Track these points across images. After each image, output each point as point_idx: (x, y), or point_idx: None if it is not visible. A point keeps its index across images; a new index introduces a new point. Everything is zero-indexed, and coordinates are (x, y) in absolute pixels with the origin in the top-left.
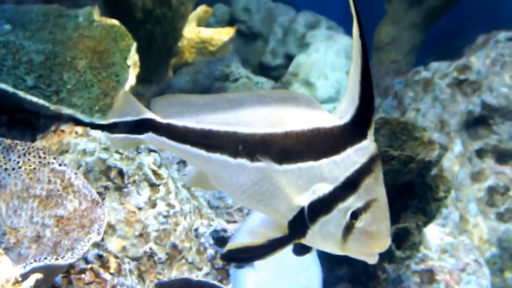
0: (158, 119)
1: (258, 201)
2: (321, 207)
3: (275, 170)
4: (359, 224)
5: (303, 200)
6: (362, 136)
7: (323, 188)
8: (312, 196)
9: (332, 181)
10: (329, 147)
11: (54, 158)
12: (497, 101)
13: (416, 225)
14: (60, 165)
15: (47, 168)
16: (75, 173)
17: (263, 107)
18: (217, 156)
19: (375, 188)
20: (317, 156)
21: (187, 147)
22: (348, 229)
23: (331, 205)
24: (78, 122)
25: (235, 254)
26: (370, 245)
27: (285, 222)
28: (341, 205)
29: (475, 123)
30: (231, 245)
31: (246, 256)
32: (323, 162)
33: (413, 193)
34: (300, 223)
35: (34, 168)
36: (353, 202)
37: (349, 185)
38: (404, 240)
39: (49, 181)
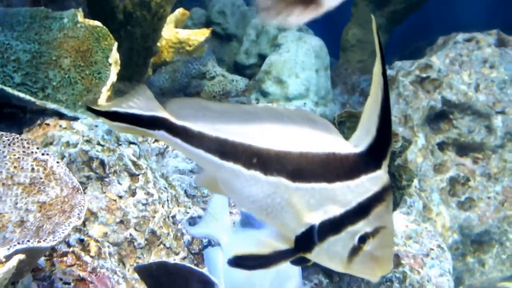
0: (173, 119)
1: (267, 213)
2: (332, 227)
3: (288, 186)
4: (366, 247)
5: (314, 218)
6: (376, 166)
7: (335, 210)
8: (323, 215)
9: (344, 205)
10: (344, 173)
11: (37, 148)
12: (456, 98)
13: None
14: (43, 154)
15: (31, 157)
16: (57, 162)
17: (279, 124)
18: (230, 164)
19: (384, 216)
20: (331, 179)
21: (201, 152)
22: (355, 251)
23: (342, 226)
24: (91, 110)
25: (241, 260)
26: (373, 268)
27: (291, 236)
28: (351, 228)
29: (437, 118)
30: (238, 252)
31: (251, 264)
32: (337, 185)
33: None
34: (308, 239)
35: (18, 157)
36: (362, 226)
37: (361, 211)
38: None
39: (33, 169)
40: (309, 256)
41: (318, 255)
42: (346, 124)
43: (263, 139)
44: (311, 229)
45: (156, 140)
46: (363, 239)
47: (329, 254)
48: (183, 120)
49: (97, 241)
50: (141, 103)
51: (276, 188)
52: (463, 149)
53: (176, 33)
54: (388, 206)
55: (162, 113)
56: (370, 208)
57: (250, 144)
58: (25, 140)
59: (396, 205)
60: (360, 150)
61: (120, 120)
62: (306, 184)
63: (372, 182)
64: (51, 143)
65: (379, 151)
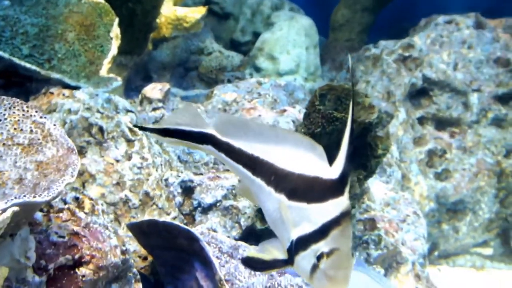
0: (218, 136)
1: (275, 226)
2: (302, 243)
3: (285, 203)
4: (321, 266)
5: (294, 234)
6: (341, 192)
7: (307, 229)
8: (299, 232)
9: (314, 224)
10: (319, 195)
11: (36, 112)
12: (436, 76)
13: (358, 179)
14: (41, 117)
15: (30, 120)
16: (54, 125)
17: (296, 148)
18: (258, 180)
19: (340, 239)
20: (310, 200)
21: (239, 167)
22: (314, 268)
23: (308, 244)
24: (143, 129)
25: (249, 260)
26: (327, 287)
27: (286, 248)
28: (314, 246)
29: (418, 94)
30: (250, 253)
31: (255, 265)
32: (313, 206)
33: (356, 151)
34: (290, 252)
35: (18, 120)
36: (322, 246)
37: (322, 231)
38: None
39: (31, 131)
40: (294, 267)
41: (296, 267)
42: (327, 97)
43: (280, 160)
44: (291, 243)
45: (153, 109)
46: (319, 258)
47: (299, 267)
48: (226, 136)
49: (91, 199)
50: (188, 119)
51: (279, 204)
52: (441, 123)
53: (174, 10)
54: (344, 230)
55: (209, 130)
56: (329, 230)
57: (273, 163)
58: (25, 104)
59: (371, 172)
60: (333, 178)
61: (172, 136)
62: (296, 202)
63: (335, 206)
64: (54, 110)
65: (344, 181)
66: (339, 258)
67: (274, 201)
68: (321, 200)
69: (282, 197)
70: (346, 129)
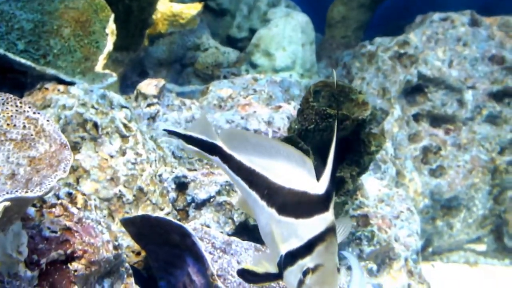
0: (225, 148)
1: (267, 240)
2: (289, 259)
3: (275, 218)
4: (307, 281)
5: (283, 249)
6: (325, 208)
7: (294, 244)
8: (287, 247)
9: (301, 240)
10: (306, 211)
11: (29, 107)
12: (431, 73)
13: (350, 175)
14: (34, 113)
15: (23, 115)
16: (47, 120)
17: (288, 163)
18: (254, 193)
19: (324, 255)
20: (297, 215)
21: (239, 179)
22: (300, 283)
23: (295, 259)
24: (171, 132)
25: (244, 272)
26: None
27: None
28: (301, 262)
29: (413, 91)
30: (245, 265)
31: (248, 277)
32: (300, 221)
33: (349, 147)
34: (279, 267)
35: (11, 116)
36: (308, 261)
37: (308, 247)
38: (339, 187)
39: (24, 127)
40: (283, 282)
41: (284, 282)
42: (321, 93)
43: (273, 174)
44: (280, 257)
45: (148, 105)
46: (305, 273)
47: (287, 282)
48: (231, 149)
49: (84, 194)
50: (202, 131)
51: (270, 219)
52: (436, 120)
53: (170, 6)
54: (329, 246)
55: (218, 141)
56: (314, 246)
57: (267, 177)
58: (18, 100)
59: (364, 169)
60: (319, 194)
61: (189, 143)
62: (286, 217)
63: (320, 222)
64: (49, 106)
65: (329, 197)
66: (324, 274)
67: (266, 215)
68: (308, 215)
69: (273, 212)
70: (332, 145)
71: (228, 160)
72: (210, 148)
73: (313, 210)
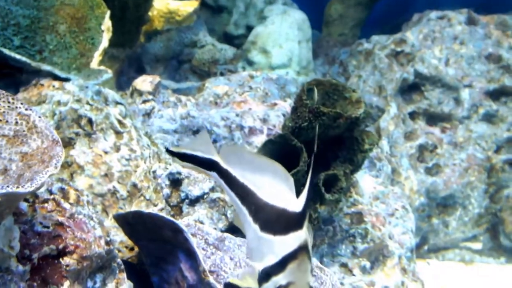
0: (222, 163)
1: (254, 255)
2: (264, 275)
3: (257, 234)
4: None
5: (261, 265)
6: (299, 226)
7: (271, 260)
8: (265, 263)
9: (276, 257)
10: (283, 228)
11: (21, 104)
12: (428, 71)
13: (344, 173)
14: (26, 109)
15: (15, 111)
16: (39, 117)
17: (273, 179)
18: (244, 208)
19: (296, 273)
20: (275, 232)
21: (233, 194)
22: None
23: (269, 276)
24: (175, 154)
25: (229, 286)
26: None
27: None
28: (275, 279)
29: (409, 89)
30: (231, 279)
31: None
32: (277, 238)
33: (343, 145)
34: (259, 283)
35: (3, 112)
36: (280, 279)
37: (281, 264)
38: (333, 185)
39: (16, 123)
40: None
41: None
42: (315, 91)
43: (260, 190)
44: (257, 274)
45: (143, 101)
46: None
47: None
48: (228, 164)
49: (76, 190)
50: (201, 147)
51: (254, 234)
52: (432, 118)
53: (167, 3)
54: (301, 264)
55: (216, 157)
56: (287, 263)
57: (255, 193)
58: (10, 96)
59: (358, 167)
60: (296, 211)
61: (186, 160)
62: (266, 234)
63: (294, 239)
64: (44, 102)
65: (304, 214)
66: None
67: (253, 231)
68: (284, 232)
69: (256, 227)
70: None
71: (224, 175)
72: (208, 164)
73: (289, 228)
